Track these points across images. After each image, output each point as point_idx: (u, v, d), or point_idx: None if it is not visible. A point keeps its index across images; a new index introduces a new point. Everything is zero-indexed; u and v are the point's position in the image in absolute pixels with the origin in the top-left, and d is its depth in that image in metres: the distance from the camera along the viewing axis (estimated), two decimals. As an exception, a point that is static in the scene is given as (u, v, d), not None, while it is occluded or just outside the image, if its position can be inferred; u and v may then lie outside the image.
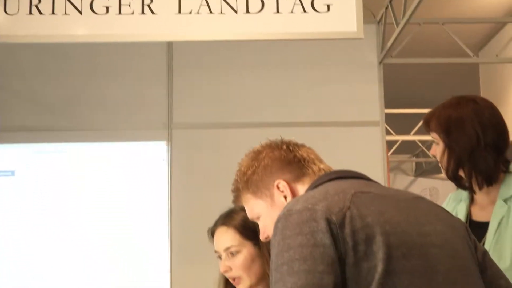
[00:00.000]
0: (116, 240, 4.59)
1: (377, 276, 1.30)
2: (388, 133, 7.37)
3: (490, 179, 2.16)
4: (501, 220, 2.12)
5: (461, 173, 2.19)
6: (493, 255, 2.04)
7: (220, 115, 4.72)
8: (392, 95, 5.70)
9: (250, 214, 1.70)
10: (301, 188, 1.61)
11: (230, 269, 2.16)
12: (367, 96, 4.75)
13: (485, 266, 1.53)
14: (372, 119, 4.70)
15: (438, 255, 1.39)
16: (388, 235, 1.34)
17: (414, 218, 1.43)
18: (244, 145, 1.76)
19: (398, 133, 7.56)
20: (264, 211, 1.65)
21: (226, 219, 2.23)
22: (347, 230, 1.33)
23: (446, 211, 1.60)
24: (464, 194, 2.27)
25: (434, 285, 1.34)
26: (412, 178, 8.53)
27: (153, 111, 4.72)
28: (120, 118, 4.71)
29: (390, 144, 7.22)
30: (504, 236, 2.11)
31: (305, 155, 1.65)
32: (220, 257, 2.21)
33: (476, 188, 2.19)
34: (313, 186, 1.55)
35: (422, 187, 8.23)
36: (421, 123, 7.62)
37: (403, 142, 7.82)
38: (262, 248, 2.15)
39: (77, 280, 4.53)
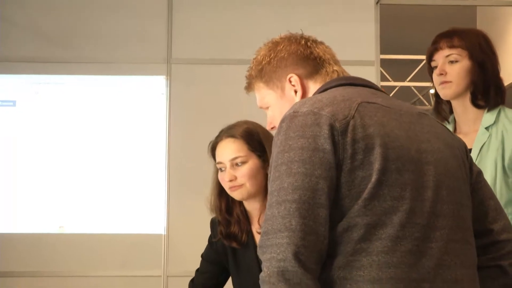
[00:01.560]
0: (114, 172, 4.65)
1: (370, 185, 1.35)
2: (385, 78, 7.43)
3: (503, 103, 2.27)
4: (482, 146, 2.22)
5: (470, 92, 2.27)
6: None
7: (219, 51, 4.73)
8: (388, 41, 5.73)
9: (260, 102, 1.70)
10: (312, 85, 1.62)
11: (235, 178, 2.21)
12: (363, 36, 4.74)
13: (477, 186, 1.58)
14: (367, 59, 4.70)
15: (430, 171, 1.43)
16: (386, 148, 1.38)
17: (414, 133, 1.46)
18: (242, 82, 1.76)
19: (395, 80, 7.61)
20: (274, 102, 1.65)
21: (231, 130, 2.26)
22: (348, 138, 1.36)
23: (448, 130, 1.62)
24: (447, 125, 2.35)
25: (421, 199, 1.40)
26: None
27: (153, 45, 4.73)
28: (120, 51, 4.72)
29: (387, 90, 7.26)
30: (485, 161, 2.21)
31: (321, 53, 1.64)
32: (221, 169, 2.25)
33: (466, 113, 2.28)
34: (323, 89, 1.57)
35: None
36: (417, 69, 7.63)
37: (400, 90, 7.87)
38: (265, 161, 2.20)
39: (74, 209, 4.62)
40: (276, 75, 1.64)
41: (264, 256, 1.34)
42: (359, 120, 1.39)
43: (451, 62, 2.24)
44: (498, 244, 1.57)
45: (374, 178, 1.36)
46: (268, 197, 1.39)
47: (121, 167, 4.67)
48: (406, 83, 7.64)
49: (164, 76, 4.73)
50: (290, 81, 1.62)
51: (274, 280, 1.31)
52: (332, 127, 1.37)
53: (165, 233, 4.62)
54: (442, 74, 2.26)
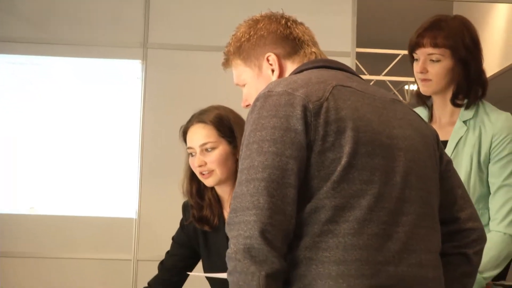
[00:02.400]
0: (87, 154, 4.63)
1: (339, 168, 1.37)
2: (360, 72, 7.48)
3: (484, 95, 2.27)
4: (459, 140, 2.23)
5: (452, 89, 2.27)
6: None
7: (196, 37, 4.72)
8: (365, 35, 5.75)
9: (237, 79, 1.69)
10: (290, 65, 1.62)
11: (205, 163, 2.22)
12: (340, 28, 4.76)
13: (446, 174, 1.60)
14: (343, 49, 4.72)
15: (400, 157, 1.45)
16: (358, 132, 1.39)
17: (386, 119, 1.47)
18: (218, 69, 1.76)
19: (370, 73, 7.65)
20: (250, 79, 1.65)
21: (201, 116, 2.26)
22: (321, 120, 1.38)
23: (421, 118, 1.63)
24: (423, 112, 2.36)
25: (390, 184, 1.42)
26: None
27: (129, 29, 4.71)
28: (96, 34, 4.70)
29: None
30: (461, 155, 2.22)
31: (300, 34, 1.64)
32: (192, 154, 2.26)
33: (445, 107, 2.29)
34: (299, 70, 1.57)
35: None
36: (393, 64, 7.67)
37: (375, 84, 7.92)
38: (236, 147, 2.21)
39: (46, 190, 4.60)
40: (255, 53, 1.63)
41: (231, 233, 1.35)
42: (332, 102, 1.41)
43: (433, 61, 2.23)
44: (464, 232, 1.59)
45: (344, 160, 1.37)
46: (238, 175, 1.40)
47: (94, 150, 4.65)
48: (381, 77, 7.69)
49: (140, 61, 4.72)
50: (268, 60, 1.62)
51: (240, 256, 1.32)
52: (305, 108, 1.38)
53: (136, 217, 4.62)
54: (422, 72, 2.26)
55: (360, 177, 1.39)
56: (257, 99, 1.44)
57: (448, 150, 2.23)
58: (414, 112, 1.63)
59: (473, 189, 2.20)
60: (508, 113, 2.27)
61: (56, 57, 4.68)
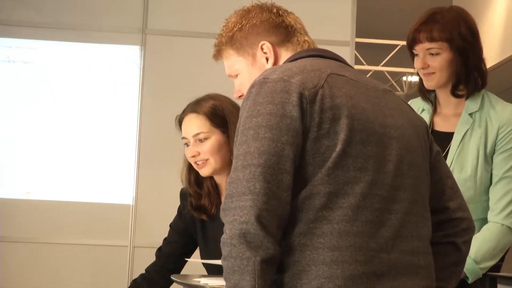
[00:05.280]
0: (84, 140, 4.63)
1: (334, 154, 1.37)
2: (358, 61, 7.47)
3: (484, 85, 2.27)
4: (465, 133, 2.23)
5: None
6: (455, 166, 2.19)
7: (195, 24, 4.71)
8: (364, 25, 5.74)
9: (229, 70, 1.69)
10: (284, 53, 1.63)
11: (198, 154, 2.23)
12: (339, 16, 4.76)
13: (436, 165, 1.61)
14: (342, 39, 4.72)
15: (393, 146, 1.46)
16: (352, 119, 1.40)
17: (379, 108, 1.48)
18: None
19: (369, 64, 7.64)
20: (244, 69, 1.65)
21: (195, 106, 2.27)
22: (316, 107, 1.38)
23: (411, 109, 1.64)
24: (426, 104, 2.35)
25: (383, 172, 1.42)
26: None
27: (128, 14, 4.70)
28: (95, 19, 4.69)
29: (360, 74, 7.29)
30: (467, 148, 2.22)
31: (293, 22, 1.65)
32: (187, 144, 2.27)
33: (449, 99, 2.28)
34: (293, 59, 1.57)
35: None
36: (391, 54, 7.66)
37: (373, 74, 7.91)
38: (230, 136, 2.21)
39: (43, 176, 4.59)
40: (248, 42, 1.63)
41: (226, 218, 1.36)
42: (327, 90, 1.41)
43: (432, 54, 2.23)
44: (453, 221, 1.61)
45: (338, 147, 1.38)
46: (234, 161, 1.40)
47: (92, 136, 4.64)
48: (379, 68, 7.68)
49: (139, 46, 4.71)
50: (262, 48, 1.62)
51: (236, 242, 1.32)
52: (301, 95, 1.39)
53: (133, 203, 4.63)
54: (424, 67, 2.25)
55: (354, 164, 1.39)
56: (252, 86, 1.44)
57: (454, 143, 2.23)
58: (406, 102, 1.64)
59: (479, 182, 2.20)
60: None
61: (54, 41, 4.66)
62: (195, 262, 2.24)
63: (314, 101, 1.39)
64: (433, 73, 2.24)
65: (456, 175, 1.98)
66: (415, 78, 7.67)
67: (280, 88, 1.40)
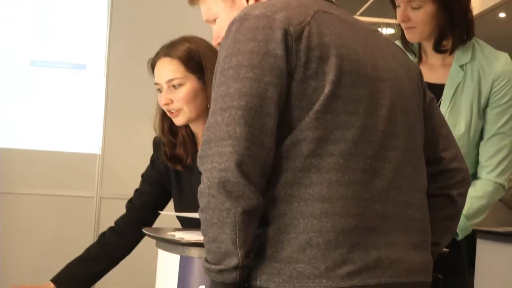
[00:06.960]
0: (49, 86, 4.49)
1: (322, 97, 1.27)
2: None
3: (471, 37, 2.15)
4: (457, 87, 2.12)
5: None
6: (448, 122, 2.06)
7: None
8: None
9: (207, 14, 1.60)
10: None
11: (171, 101, 2.09)
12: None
13: (430, 112, 1.53)
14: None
15: (385, 89, 1.37)
16: (342, 59, 1.30)
17: (370, 50, 1.39)
18: None
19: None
20: (222, 12, 1.56)
21: (169, 49, 2.11)
22: (303, 45, 1.28)
23: (404, 52, 1.56)
24: (410, 56, 2.22)
25: (376, 117, 1.33)
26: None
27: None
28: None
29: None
30: (459, 104, 2.11)
31: None
32: (160, 90, 2.13)
33: (435, 50, 2.16)
34: None
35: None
36: (368, 3, 7.55)
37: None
38: (206, 83, 2.08)
39: (6, 123, 4.46)
40: None
41: (204, 166, 1.25)
42: (315, 27, 1.30)
43: (414, 8, 2.09)
44: (448, 172, 1.53)
45: (327, 89, 1.27)
46: (212, 104, 1.29)
47: (57, 81, 4.50)
48: (357, 18, 7.58)
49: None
50: None
51: (214, 191, 1.22)
52: (285, 32, 1.28)
53: (100, 153, 4.51)
54: (404, 21, 2.13)
55: (344, 108, 1.29)
56: (232, 23, 1.33)
57: (446, 98, 2.12)
58: (398, 45, 1.56)
59: (473, 139, 2.12)
60: (507, 54, 2.16)
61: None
62: (168, 215, 2.11)
63: (300, 39, 1.28)
64: (414, 27, 2.12)
65: None
66: (390, 31, 7.56)
67: (262, 24, 1.29)
